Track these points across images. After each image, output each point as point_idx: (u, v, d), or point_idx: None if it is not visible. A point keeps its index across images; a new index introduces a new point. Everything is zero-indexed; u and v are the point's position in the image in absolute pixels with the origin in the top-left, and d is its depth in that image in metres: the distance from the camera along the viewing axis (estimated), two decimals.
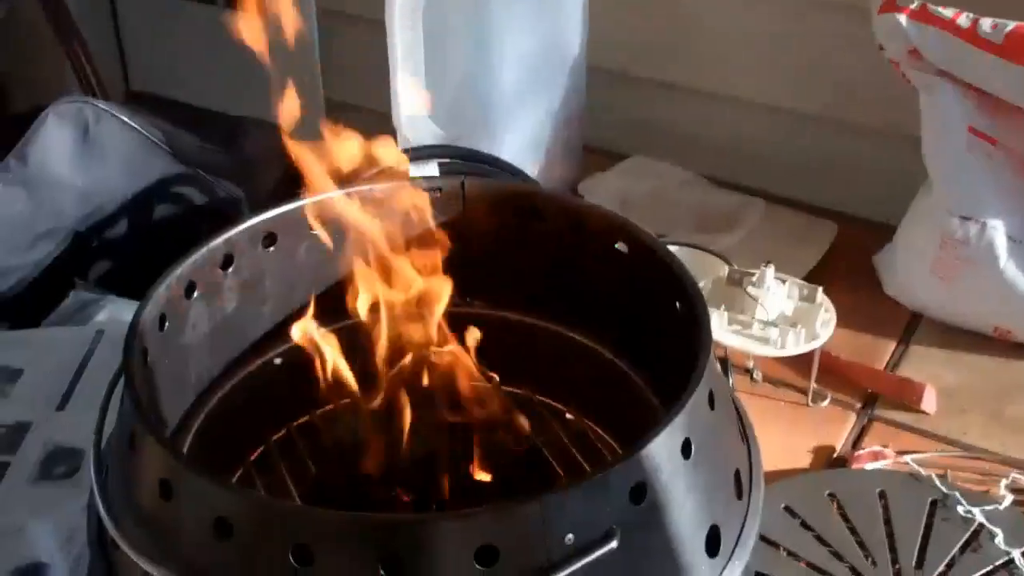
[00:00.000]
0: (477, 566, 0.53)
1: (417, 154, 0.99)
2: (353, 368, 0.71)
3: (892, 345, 1.11)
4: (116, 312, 1.02)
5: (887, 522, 0.88)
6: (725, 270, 1.03)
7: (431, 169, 0.96)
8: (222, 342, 0.76)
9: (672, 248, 0.73)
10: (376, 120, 1.16)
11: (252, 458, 0.79)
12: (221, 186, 1.16)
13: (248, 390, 0.77)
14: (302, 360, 0.73)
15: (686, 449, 0.60)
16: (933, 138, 1.09)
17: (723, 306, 0.99)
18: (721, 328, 0.98)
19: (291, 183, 1.20)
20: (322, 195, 0.75)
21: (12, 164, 1.08)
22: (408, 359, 0.73)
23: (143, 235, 1.12)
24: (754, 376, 1.04)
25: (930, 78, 1.06)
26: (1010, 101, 1.03)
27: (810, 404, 1.03)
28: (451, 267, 0.75)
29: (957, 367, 1.08)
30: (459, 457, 0.73)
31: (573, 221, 0.78)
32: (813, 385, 1.03)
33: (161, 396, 0.69)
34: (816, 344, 0.98)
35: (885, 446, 0.97)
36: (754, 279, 1.00)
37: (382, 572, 0.53)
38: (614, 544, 0.55)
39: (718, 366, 0.69)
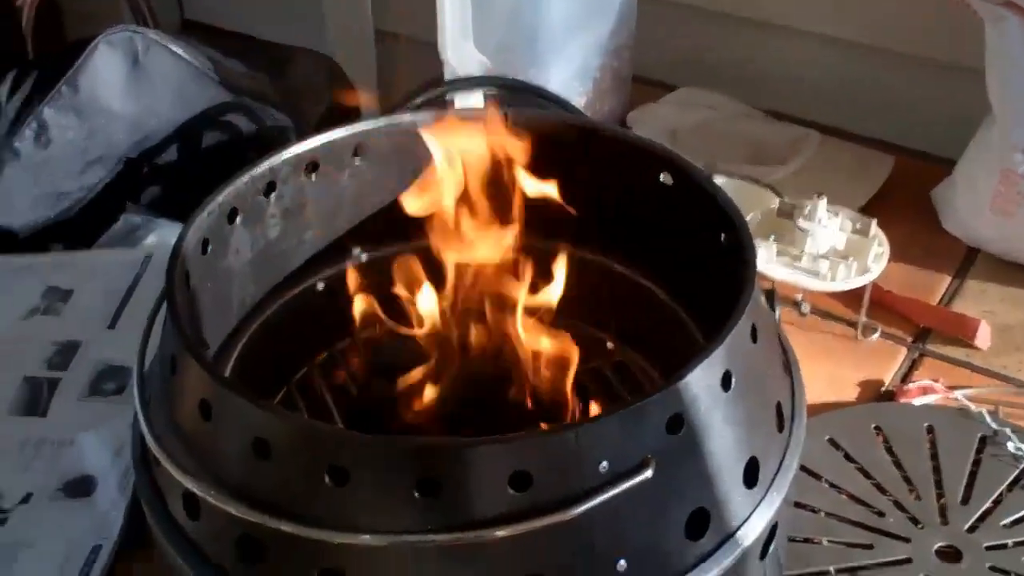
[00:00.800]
0: (511, 491, 0.54)
1: (462, 84, 0.98)
2: (396, 296, 0.72)
3: (947, 280, 1.09)
4: (165, 236, 1.04)
5: (934, 457, 0.88)
6: (776, 202, 1.02)
7: (476, 99, 0.95)
8: (265, 267, 0.76)
9: (722, 180, 0.72)
10: (423, 50, 1.16)
11: (295, 380, 0.80)
12: (268, 114, 1.16)
13: (290, 315, 0.78)
14: (344, 286, 0.74)
15: (726, 382, 0.59)
16: (998, 71, 1.06)
17: (772, 238, 0.98)
18: (769, 261, 0.97)
19: (337, 112, 1.20)
20: (365, 124, 0.75)
21: (64, 91, 1.09)
22: (454, 288, 0.73)
23: (192, 162, 1.13)
24: (803, 309, 1.03)
25: (997, 9, 1.03)
26: None
27: (859, 338, 1.02)
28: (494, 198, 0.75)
29: (1013, 303, 1.06)
30: (501, 385, 0.73)
31: (617, 152, 0.77)
32: (863, 319, 1.01)
33: (204, 319, 0.70)
34: (868, 278, 0.97)
35: (935, 381, 0.95)
36: (805, 211, 0.99)
37: (416, 495, 0.54)
38: (649, 473, 0.55)
39: (763, 299, 0.68)
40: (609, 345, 0.83)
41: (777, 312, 0.73)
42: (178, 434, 0.60)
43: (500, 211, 0.73)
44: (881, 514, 0.83)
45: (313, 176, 0.76)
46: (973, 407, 0.92)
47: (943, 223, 1.14)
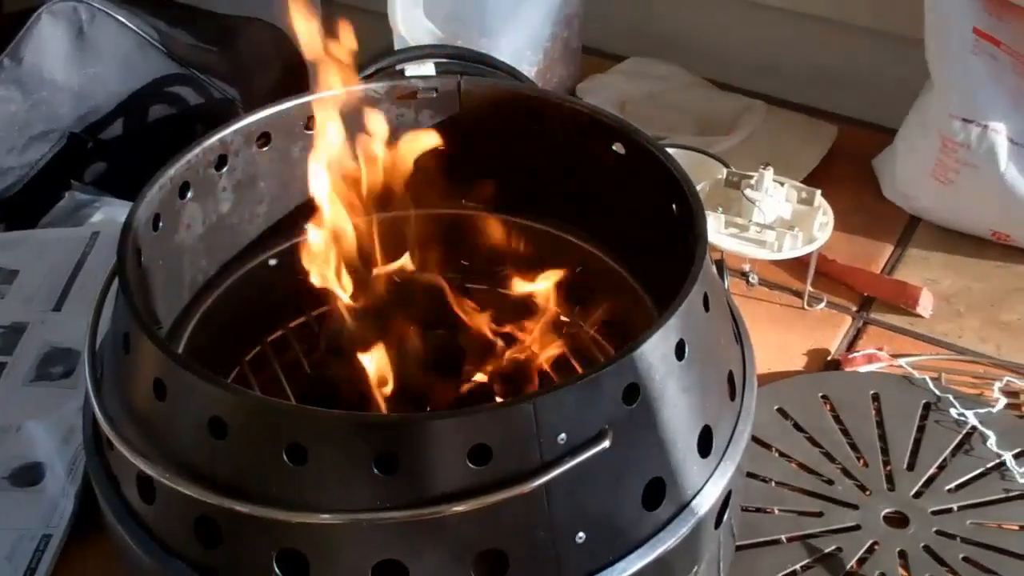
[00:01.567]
0: (470, 464, 0.54)
1: (413, 53, 0.98)
2: (349, 270, 0.71)
3: (889, 249, 1.11)
4: (112, 213, 1.02)
5: (879, 424, 0.89)
6: (723, 173, 1.03)
7: (427, 69, 0.95)
8: (217, 243, 0.76)
9: (671, 151, 0.72)
10: (373, 20, 1.15)
11: (247, 359, 0.79)
12: (216, 87, 1.14)
13: (243, 291, 0.77)
14: (297, 261, 0.73)
15: (679, 350, 0.60)
16: (937, 39, 1.07)
17: (720, 209, 0.99)
18: (718, 231, 0.98)
19: (286, 83, 1.19)
20: (316, 95, 0.75)
21: (6, 63, 1.06)
22: (405, 262, 0.73)
23: (138, 136, 1.11)
24: (751, 279, 1.04)
25: None
26: (1016, 2, 1.01)
27: (806, 307, 1.03)
28: (447, 167, 0.75)
29: (954, 271, 1.08)
30: (455, 359, 0.73)
31: (569, 122, 0.77)
32: (809, 288, 1.03)
33: (155, 297, 0.69)
34: (813, 247, 0.98)
35: (880, 349, 0.97)
36: (752, 182, 1.00)
37: (376, 471, 0.54)
38: (606, 444, 0.56)
39: (714, 269, 0.69)
40: (563, 318, 0.83)
41: (727, 282, 0.73)
42: (131, 415, 0.60)
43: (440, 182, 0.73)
44: (830, 482, 0.84)
45: (265, 148, 0.75)
46: (917, 374, 0.93)
47: (884, 192, 1.16)
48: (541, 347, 0.74)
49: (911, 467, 0.86)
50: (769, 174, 0.99)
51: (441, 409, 0.68)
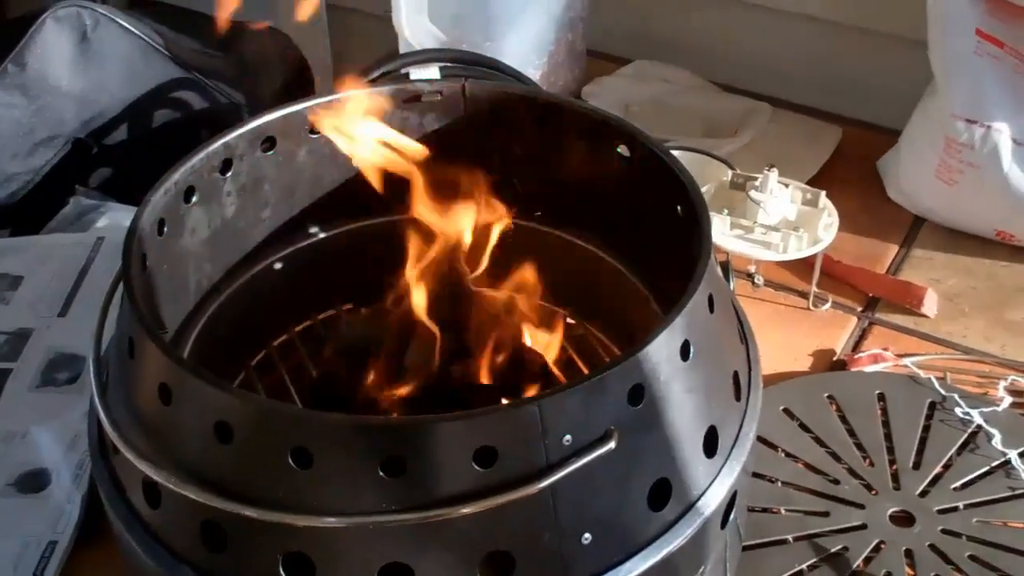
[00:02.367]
0: (476, 467, 0.54)
1: (418, 57, 0.98)
2: (355, 274, 0.72)
3: (894, 249, 1.11)
4: (116, 218, 1.02)
5: (885, 424, 0.89)
6: (728, 175, 1.03)
7: (432, 73, 0.95)
8: (222, 247, 0.76)
9: (675, 153, 0.72)
10: (377, 24, 1.15)
11: (253, 363, 0.79)
12: (221, 91, 1.15)
13: (248, 295, 0.77)
14: (302, 265, 0.73)
15: (684, 351, 0.60)
16: (940, 41, 1.07)
17: (725, 211, 0.99)
18: (723, 233, 0.98)
19: (290, 88, 1.19)
20: (321, 99, 0.75)
21: (10, 69, 1.06)
22: (413, 265, 0.73)
23: (143, 141, 1.12)
24: (756, 280, 1.04)
25: None
26: (1019, 4, 1.01)
27: (811, 308, 1.03)
28: (451, 171, 0.74)
29: (958, 271, 1.08)
30: (463, 362, 0.73)
31: (574, 124, 0.77)
32: (814, 289, 1.03)
33: (161, 301, 0.69)
34: (818, 248, 0.98)
35: (885, 349, 0.97)
36: (757, 183, 1.00)
37: (381, 473, 0.54)
38: (612, 445, 0.56)
39: (719, 270, 0.69)
40: (568, 320, 0.83)
41: (732, 283, 0.73)
42: (137, 420, 0.60)
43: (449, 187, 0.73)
44: (836, 482, 0.84)
45: (270, 152, 0.75)
46: (922, 374, 0.93)
47: (889, 193, 1.16)
48: (545, 348, 0.74)
49: (917, 466, 0.86)
50: (774, 175, 0.99)
51: (449, 411, 0.68)
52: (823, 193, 1.00)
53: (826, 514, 0.82)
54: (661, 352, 0.58)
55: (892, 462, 0.86)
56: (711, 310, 0.63)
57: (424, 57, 0.97)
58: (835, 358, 0.98)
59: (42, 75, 1.07)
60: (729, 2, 1.32)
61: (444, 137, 0.79)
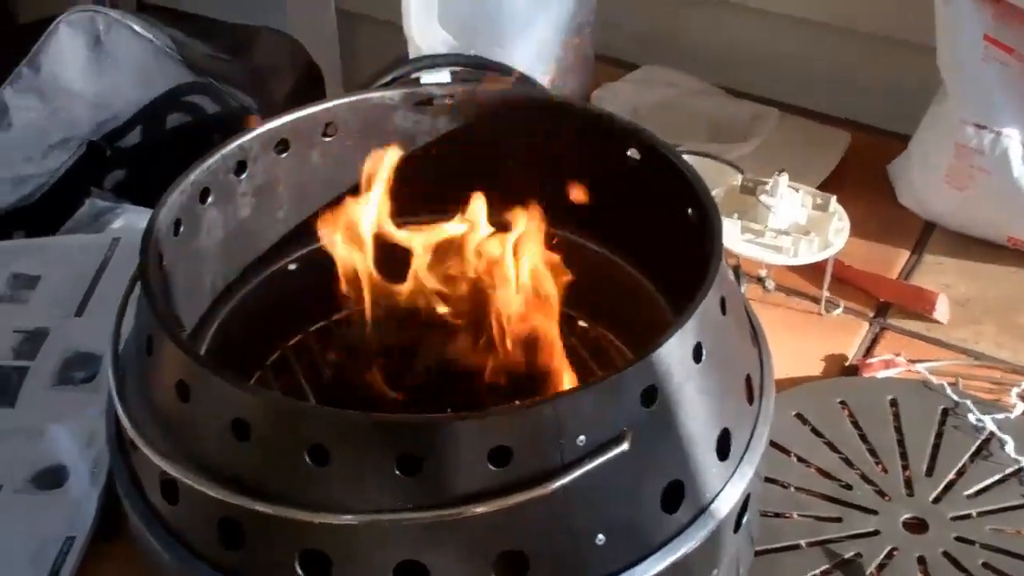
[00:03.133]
0: (491, 466, 0.54)
1: (428, 62, 0.98)
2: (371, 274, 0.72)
3: (905, 255, 1.11)
4: (131, 220, 1.03)
5: (898, 429, 0.89)
6: (738, 179, 1.03)
7: (443, 77, 0.95)
8: (237, 248, 0.76)
9: (685, 157, 0.73)
10: (388, 30, 1.16)
11: (269, 362, 0.80)
12: (233, 95, 1.15)
13: (263, 296, 0.78)
14: (317, 266, 0.73)
15: (697, 353, 0.60)
16: (948, 47, 1.07)
17: (736, 215, 0.99)
18: (734, 237, 0.98)
19: (301, 92, 1.20)
20: (333, 102, 0.75)
21: (25, 73, 1.07)
22: (427, 267, 0.73)
23: (156, 144, 1.12)
24: (767, 285, 1.04)
25: None
26: None
27: (822, 313, 1.03)
28: (463, 174, 0.75)
29: (970, 276, 1.08)
30: (478, 363, 0.73)
31: (585, 128, 0.78)
32: (826, 294, 1.03)
33: (176, 301, 0.70)
34: (829, 253, 0.98)
35: (897, 354, 0.97)
36: (767, 187, 1.00)
37: (397, 471, 0.54)
38: (625, 446, 0.56)
39: (731, 274, 0.69)
40: (581, 323, 0.83)
41: (743, 287, 0.73)
42: (155, 417, 0.60)
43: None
44: (849, 487, 0.84)
45: (283, 154, 0.76)
46: (934, 380, 0.93)
47: (899, 198, 1.16)
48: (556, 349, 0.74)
49: (930, 472, 0.86)
50: (784, 179, 0.99)
51: (464, 411, 0.68)
52: (834, 197, 1.00)
53: (839, 520, 0.82)
54: (674, 354, 0.59)
55: (905, 468, 0.86)
56: (723, 312, 0.64)
57: (435, 62, 0.98)
58: (847, 363, 0.98)
59: (56, 78, 1.08)
60: (737, 7, 1.32)
61: (455, 140, 0.79)
